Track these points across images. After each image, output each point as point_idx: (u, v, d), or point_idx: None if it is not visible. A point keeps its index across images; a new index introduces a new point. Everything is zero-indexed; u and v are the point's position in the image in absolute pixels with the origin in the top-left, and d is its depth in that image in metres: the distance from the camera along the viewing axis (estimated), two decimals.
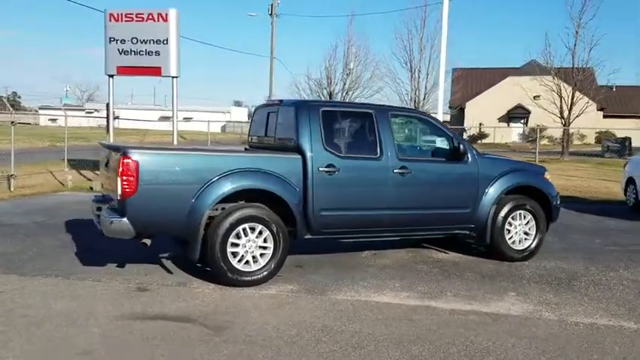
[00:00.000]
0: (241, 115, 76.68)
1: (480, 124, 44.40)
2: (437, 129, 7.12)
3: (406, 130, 7.61)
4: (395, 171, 6.51)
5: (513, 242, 7.25)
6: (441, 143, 7.05)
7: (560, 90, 29.44)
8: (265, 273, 5.93)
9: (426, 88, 29.20)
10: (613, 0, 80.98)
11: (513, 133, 47.02)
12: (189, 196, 5.64)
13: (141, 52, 14.25)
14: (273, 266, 5.95)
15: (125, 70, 14.59)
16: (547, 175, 7.62)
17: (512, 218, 7.20)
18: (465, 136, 40.51)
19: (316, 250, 7.35)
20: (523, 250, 7.29)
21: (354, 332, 4.64)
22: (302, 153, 6.15)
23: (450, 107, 42.83)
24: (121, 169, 5.41)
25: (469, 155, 6.92)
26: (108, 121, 16.77)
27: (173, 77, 14.56)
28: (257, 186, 5.90)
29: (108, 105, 16.98)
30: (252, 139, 7.61)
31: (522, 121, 47.24)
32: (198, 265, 6.65)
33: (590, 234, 9.45)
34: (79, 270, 6.43)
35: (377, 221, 6.58)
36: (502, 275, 6.60)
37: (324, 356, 4.17)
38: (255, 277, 5.88)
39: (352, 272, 6.56)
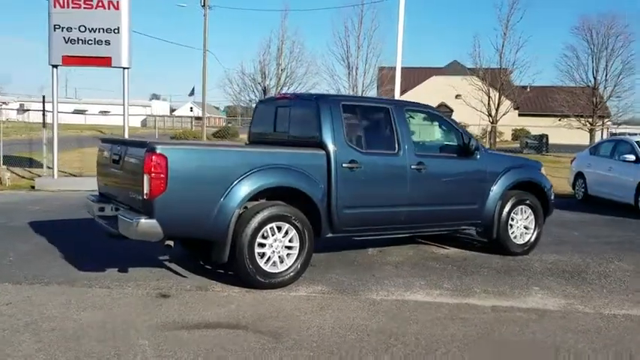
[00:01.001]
0: (163, 109, 74.32)
1: None
2: (448, 125, 7.13)
3: (419, 126, 7.55)
4: (412, 167, 6.44)
5: (515, 237, 7.39)
6: (452, 139, 7.05)
7: (489, 90, 30.71)
8: (292, 274, 5.68)
9: (363, 85, 29.47)
10: (537, 4, 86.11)
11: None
12: (219, 195, 5.29)
13: (89, 42, 13.41)
14: (299, 266, 5.72)
15: (72, 61, 13.66)
16: (543, 170, 7.83)
17: (515, 213, 7.34)
18: None
19: (321, 248, 7.14)
20: (524, 244, 7.46)
21: (417, 334, 4.51)
22: (325, 148, 5.93)
23: None
24: (148, 166, 4.97)
25: (478, 151, 6.97)
26: (44, 115, 15.69)
27: (124, 68, 13.81)
28: (288, 183, 5.64)
29: (44, 97, 15.95)
30: (254, 135, 7.27)
31: None
32: (208, 267, 6.34)
33: (563, 227, 9.82)
34: (79, 276, 5.89)
35: (395, 218, 6.48)
36: (515, 270, 6.70)
37: None
38: (282, 279, 5.62)
39: (370, 271, 6.43)
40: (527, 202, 7.43)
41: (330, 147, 5.93)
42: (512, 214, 7.30)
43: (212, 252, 5.51)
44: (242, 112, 56.95)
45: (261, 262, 5.52)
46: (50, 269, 6.12)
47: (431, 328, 4.66)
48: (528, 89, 43.78)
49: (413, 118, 6.76)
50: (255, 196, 5.51)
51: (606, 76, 36.37)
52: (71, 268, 6.20)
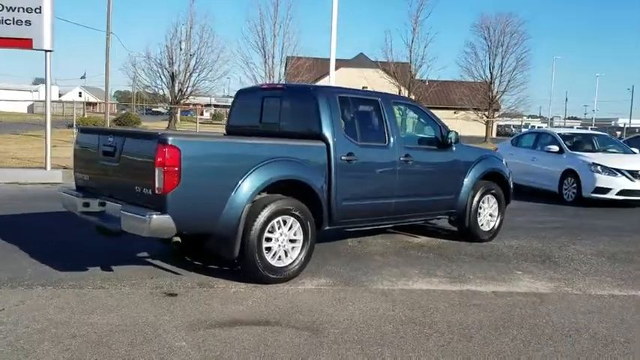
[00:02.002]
0: (52, 94, 69.50)
1: None
2: (428, 117, 7.31)
3: (402, 119, 7.67)
4: (401, 158, 6.56)
5: (482, 224, 7.75)
6: (432, 131, 7.24)
7: (400, 85, 31.79)
8: (297, 267, 5.61)
9: (280, 74, 29.32)
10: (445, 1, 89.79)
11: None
12: (230, 188, 5.11)
13: (7, 21, 12.26)
14: (303, 259, 5.65)
15: None
16: (504, 161, 8.27)
17: (482, 202, 7.70)
18: None
19: None
20: (489, 231, 7.85)
21: (446, 322, 4.61)
22: (326, 141, 5.89)
23: None
24: (161, 159, 4.68)
25: (455, 143, 7.23)
26: None
27: (47, 51, 12.80)
28: (296, 176, 5.55)
29: None
30: (234, 127, 7.00)
31: None
32: (197, 263, 6.12)
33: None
34: (62, 277, 5.44)
35: (386, 209, 6.58)
36: (489, 256, 7.02)
37: (446, 349, 4.11)
38: (287, 273, 5.53)
39: (360, 261, 6.49)
40: (493, 191, 7.82)
41: (330, 139, 5.89)
42: (480, 202, 7.65)
43: (221, 248, 5.32)
44: (148, 98, 54.46)
45: (269, 257, 5.40)
46: (24, 270, 5.60)
47: (454, 316, 4.80)
48: (427, 83, 45.89)
49: (398, 110, 6.86)
50: (263, 190, 5.37)
51: (501, 71, 38.93)
52: (47, 268, 5.71)
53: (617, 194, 11.68)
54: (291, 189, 5.61)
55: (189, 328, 4.28)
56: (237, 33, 69.46)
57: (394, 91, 32.31)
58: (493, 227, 7.90)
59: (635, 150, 13.46)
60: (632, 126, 51.47)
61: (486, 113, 39.18)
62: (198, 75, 36.27)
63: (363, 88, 46.18)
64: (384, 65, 35.28)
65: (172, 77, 36.79)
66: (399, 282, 5.76)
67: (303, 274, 5.76)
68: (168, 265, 6.02)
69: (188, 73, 36.60)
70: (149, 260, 6.22)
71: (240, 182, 5.14)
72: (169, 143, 4.71)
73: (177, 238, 5.08)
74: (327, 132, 5.90)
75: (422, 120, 7.38)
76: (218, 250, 5.40)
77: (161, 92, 38.95)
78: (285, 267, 5.52)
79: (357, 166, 6.12)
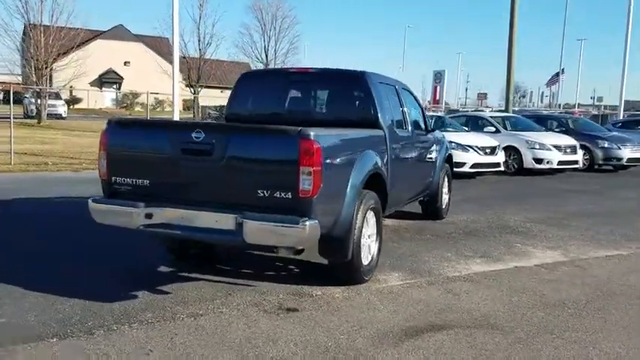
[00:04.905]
0: None
1: (72, 87, 41.46)
2: (417, 103, 7.38)
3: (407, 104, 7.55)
4: (415, 144, 6.61)
5: (442, 203, 8.23)
6: (420, 116, 7.35)
7: (188, 62, 30.74)
8: (375, 262, 5.33)
9: (57, 47, 25.74)
10: None
11: (107, 98, 45.68)
12: (346, 185, 4.59)
13: None
14: (377, 254, 5.36)
15: None
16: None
17: (444, 181, 8.16)
18: (63, 99, 37.40)
19: None
20: (445, 207, 8.37)
21: (569, 300, 4.87)
22: (382, 129, 5.62)
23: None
24: (309, 158, 3.98)
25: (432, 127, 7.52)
26: None
27: None
28: (378, 168, 5.18)
29: None
30: (237, 113, 6.12)
31: (115, 86, 46.30)
32: (246, 270, 5.38)
33: None
34: (124, 310, 4.31)
35: (407, 195, 6.58)
36: (474, 232, 7.48)
37: (608, 324, 4.37)
38: (371, 270, 5.23)
39: (388, 250, 6.33)
40: (448, 171, 8.34)
41: (385, 127, 5.66)
42: (444, 182, 8.10)
43: (333, 250, 4.76)
44: None
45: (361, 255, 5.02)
46: (55, 307, 4.32)
47: (559, 293, 5.06)
48: (202, 61, 45.03)
49: (405, 96, 6.84)
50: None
51: (275, 54, 40.30)
52: (84, 302, 4.42)
53: (470, 167, 13.30)
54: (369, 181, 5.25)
55: (385, 344, 3.83)
56: None
57: (163, 67, 31.08)
58: (447, 204, 8.43)
59: (466, 128, 15.42)
60: None
61: None
62: None
63: (126, 63, 43.59)
64: (145, 39, 33.52)
65: None
66: (458, 267, 5.82)
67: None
68: (218, 277, 5.19)
69: None
70: (185, 274, 5.24)
71: (350, 178, 4.66)
72: (312, 139, 4.04)
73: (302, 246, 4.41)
74: (382, 119, 5.64)
75: (412, 104, 7.44)
76: (329, 253, 4.83)
77: None
78: (368, 264, 5.19)
79: (400, 153, 6.00)
